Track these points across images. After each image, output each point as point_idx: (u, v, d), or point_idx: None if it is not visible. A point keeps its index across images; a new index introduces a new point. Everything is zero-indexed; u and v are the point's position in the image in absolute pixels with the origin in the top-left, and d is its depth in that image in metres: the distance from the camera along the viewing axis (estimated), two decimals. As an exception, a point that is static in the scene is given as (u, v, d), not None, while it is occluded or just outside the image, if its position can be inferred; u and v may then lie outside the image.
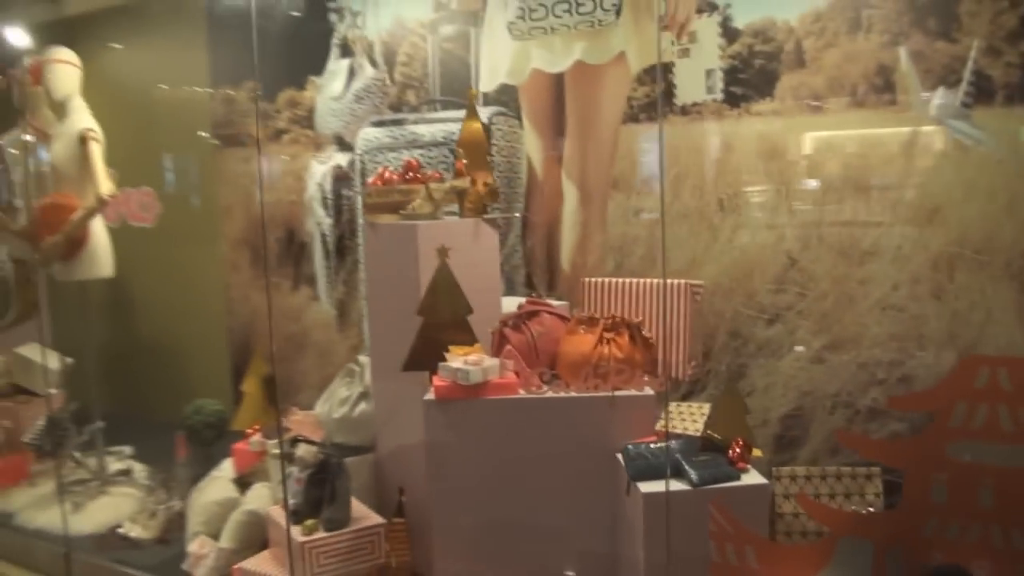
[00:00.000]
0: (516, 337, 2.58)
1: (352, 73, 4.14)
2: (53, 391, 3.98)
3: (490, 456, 2.44)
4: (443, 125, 3.72)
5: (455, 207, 2.92)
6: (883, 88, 2.97)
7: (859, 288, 3.06)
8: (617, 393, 2.39)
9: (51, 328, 4.23)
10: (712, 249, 3.32)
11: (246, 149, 4.57)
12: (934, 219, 2.94)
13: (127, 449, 4.15)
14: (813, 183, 3.13)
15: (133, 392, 4.85)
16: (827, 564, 1.93)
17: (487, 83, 3.78)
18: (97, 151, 3.46)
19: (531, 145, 3.70)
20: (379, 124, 3.97)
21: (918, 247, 2.95)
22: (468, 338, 2.59)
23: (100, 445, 3.81)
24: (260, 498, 3.08)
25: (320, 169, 4.30)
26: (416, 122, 3.87)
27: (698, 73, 3.30)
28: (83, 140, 3.44)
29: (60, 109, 3.57)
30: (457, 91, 3.85)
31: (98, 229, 3.60)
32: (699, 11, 3.26)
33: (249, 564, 2.79)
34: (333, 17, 4.17)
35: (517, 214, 3.62)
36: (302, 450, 2.83)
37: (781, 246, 3.19)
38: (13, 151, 3.74)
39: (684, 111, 3.32)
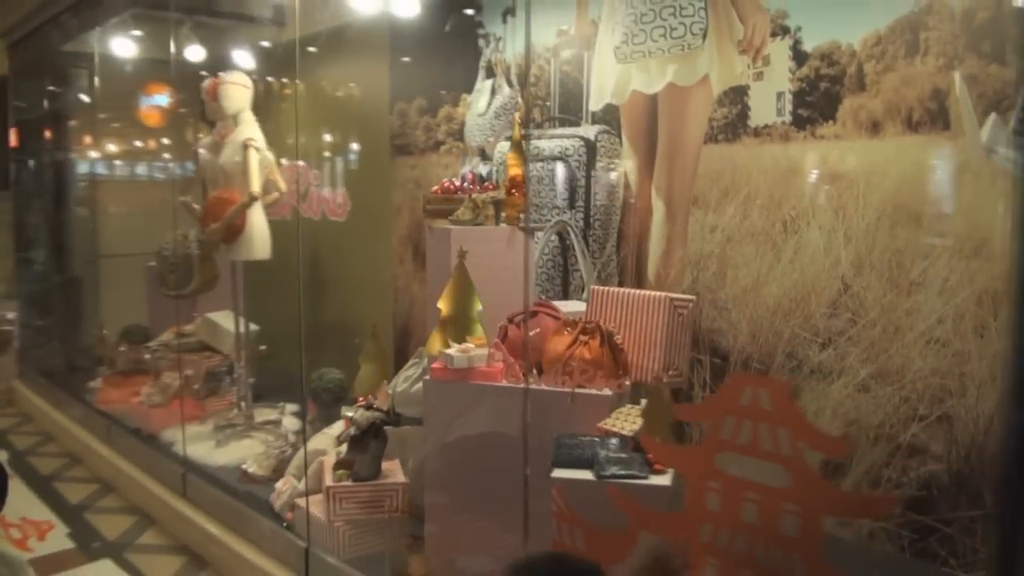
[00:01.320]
0: (515, 333, 2.88)
1: (493, 92, 4.57)
2: (226, 349, 4.84)
3: (470, 431, 2.77)
4: (559, 141, 4.05)
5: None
6: (937, 113, 2.89)
7: (906, 319, 2.99)
8: (577, 391, 2.62)
9: (246, 299, 5.09)
10: (775, 270, 3.36)
11: (413, 157, 5.17)
12: (981, 252, 2.82)
13: (291, 406, 4.92)
14: (868, 208, 3.09)
15: (309, 359, 5.65)
16: (631, 552, 2.06)
17: (595, 103, 4.05)
18: (254, 157, 4.20)
19: (628, 162, 3.92)
20: (510, 139, 4.38)
21: (964, 280, 2.84)
22: (476, 331, 2.93)
23: (250, 397, 4.59)
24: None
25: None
26: (539, 137, 4.23)
27: (770, 96, 3.36)
28: (245, 148, 4.20)
29: (233, 121, 4.37)
30: (572, 110, 4.15)
31: (257, 219, 4.35)
32: (773, 35, 3.33)
33: (300, 501, 3.33)
34: (481, 42, 4.63)
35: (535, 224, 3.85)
36: (358, 414, 3.31)
37: (836, 271, 3.18)
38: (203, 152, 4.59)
39: (756, 133, 3.40)
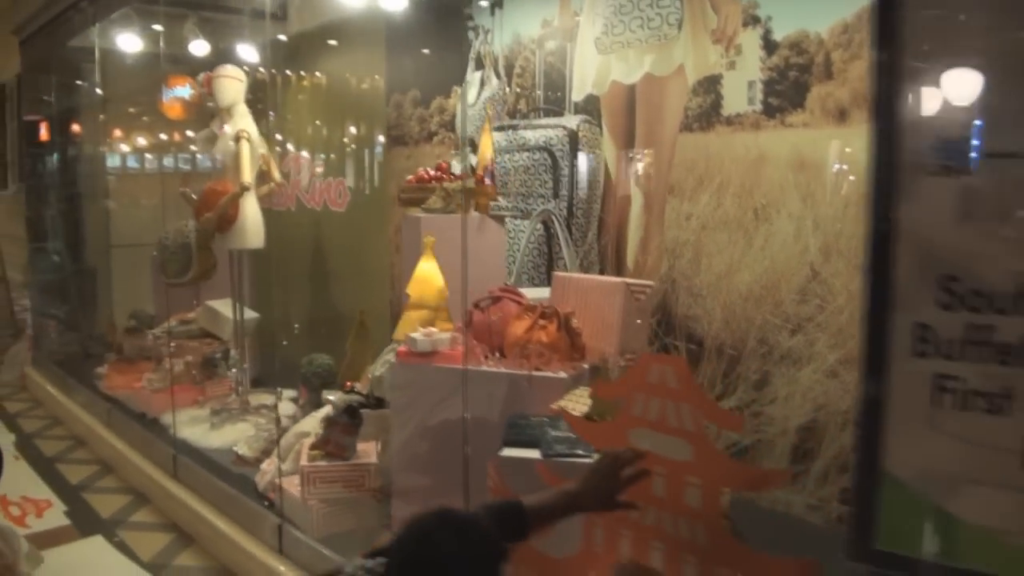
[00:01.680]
0: (480, 317, 2.95)
1: (483, 83, 4.63)
2: (226, 336, 4.98)
3: (433, 412, 2.85)
4: (544, 131, 4.11)
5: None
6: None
7: (871, 305, 3.02)
8: (534, 373, 2.68)
9: (253, 288, 5.23)
10: (747, 257, 3.40)
11: (408, 147, 5.26)
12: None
13: (288, 392, 5.04)
14: (836, 195, 3.13)
15: (311, 346, 5.78)
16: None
17: (577, 93, 4.10)
18: (245, 148, 4.31)
19: (608, 151, 3.97)
20: (499, 129, 4.44)
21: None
22: (443, 315, 3.00)
23: (246, 382, 4.72)
24: (322, 435, 3.71)
25: (457, 168, 4.85)
26: (525, 128, 4.29)
27: (742, 85, 3.40)
28: (237, 139, 4.31)
29: (227, 113, 4.48)
30: (556, 101, 4.21)
31: (250, 209, 4.45)
32: (744, 24, 3.36)
33: (278, 479, 3.45)
34: (471, 34, 4.70)
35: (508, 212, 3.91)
36: (336, 397, 3.40)
37: (805, 258, 3.21)
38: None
39: (729, 122, 3.44)
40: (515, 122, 4.40)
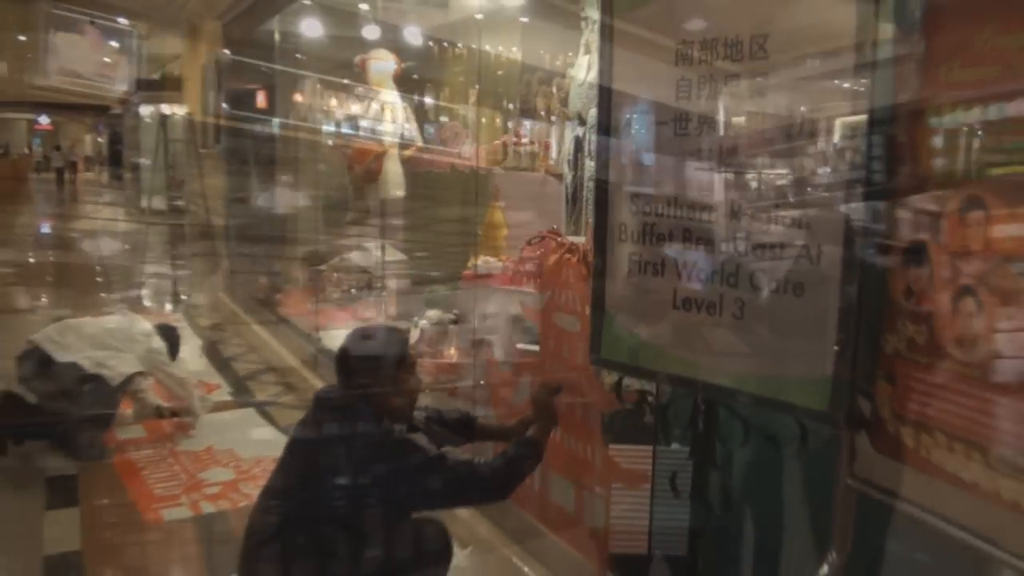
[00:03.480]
0: (528, 252, 3.75)
1: (588, 67, 5.37)
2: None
3: (484, 318, 3.70)
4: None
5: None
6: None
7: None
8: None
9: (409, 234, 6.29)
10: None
11: (534, 119, 6.08)
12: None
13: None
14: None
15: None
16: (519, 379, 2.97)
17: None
18: (388, 117, 5.29)
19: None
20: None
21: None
22: (503, 248, 3.84)
23: (385, 307, 5.77)
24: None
25: (568, 137, 5.62)
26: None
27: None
28: (381, 109, 5.30)
29: (377, 88, 5.50)
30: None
31: (391, 166, 5.47)
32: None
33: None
34: (583, 24, 5.44)
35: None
36: (433, 313, 4.33)
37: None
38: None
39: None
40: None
